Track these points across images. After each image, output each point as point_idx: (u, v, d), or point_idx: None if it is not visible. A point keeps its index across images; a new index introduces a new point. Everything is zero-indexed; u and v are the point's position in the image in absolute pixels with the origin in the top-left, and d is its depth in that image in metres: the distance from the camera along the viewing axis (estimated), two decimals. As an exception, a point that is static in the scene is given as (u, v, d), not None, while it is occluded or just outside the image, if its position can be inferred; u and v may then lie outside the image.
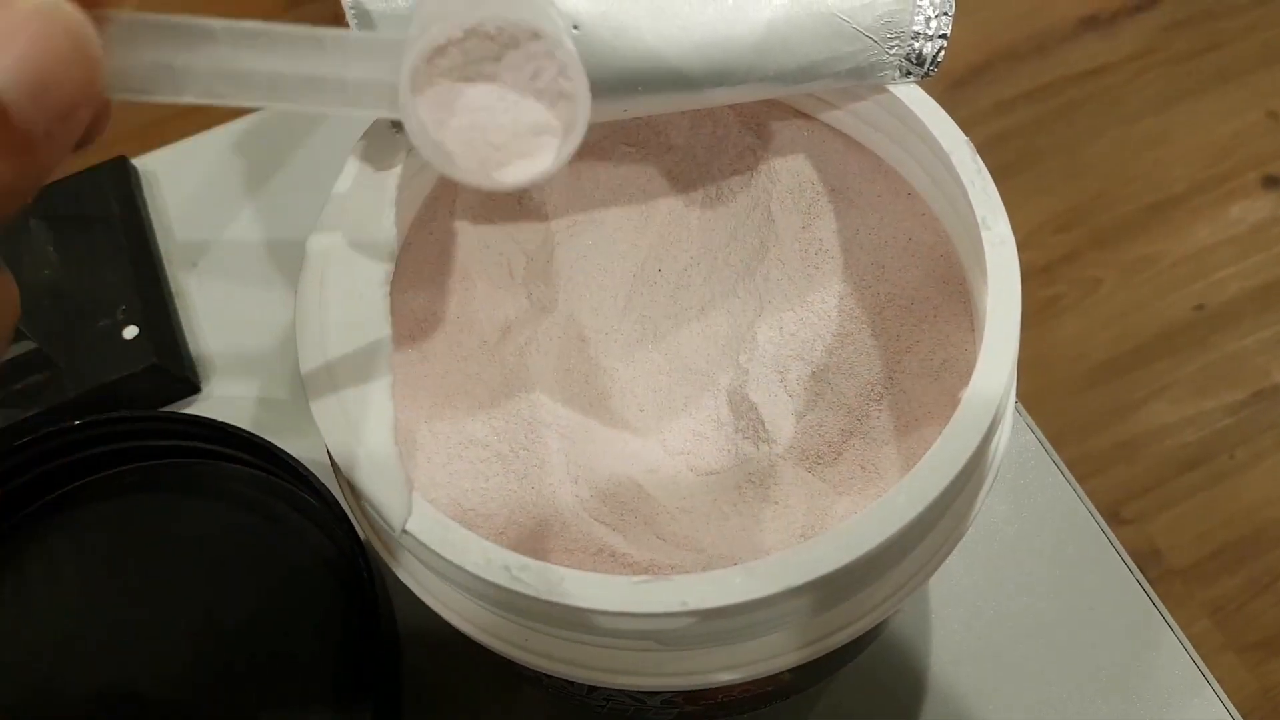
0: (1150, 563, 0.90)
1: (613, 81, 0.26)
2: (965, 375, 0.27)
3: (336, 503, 0.34)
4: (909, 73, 0.28)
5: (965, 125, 0.27)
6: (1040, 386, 0.98)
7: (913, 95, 0.28)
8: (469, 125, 0.17)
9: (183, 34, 0.16)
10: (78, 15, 0.13)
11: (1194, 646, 0.38)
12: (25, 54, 0.12)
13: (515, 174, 0.18)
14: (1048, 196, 1.07)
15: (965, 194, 0.26)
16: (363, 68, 0.17)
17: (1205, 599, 0.88)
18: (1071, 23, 1.19)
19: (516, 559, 0.22)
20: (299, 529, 0.37)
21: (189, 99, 0.16)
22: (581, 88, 0.17)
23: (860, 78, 0.28)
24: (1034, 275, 1.03)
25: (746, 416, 0.28)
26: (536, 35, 0.17)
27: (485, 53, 0.17)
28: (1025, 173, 1.09)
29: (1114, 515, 0.92)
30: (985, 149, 0.27)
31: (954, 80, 1.14)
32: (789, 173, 0.31)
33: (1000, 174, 0.26)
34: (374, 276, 0.25)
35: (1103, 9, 1.19)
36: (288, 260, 0.47)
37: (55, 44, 0.13)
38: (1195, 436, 0.96)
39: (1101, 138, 1.12)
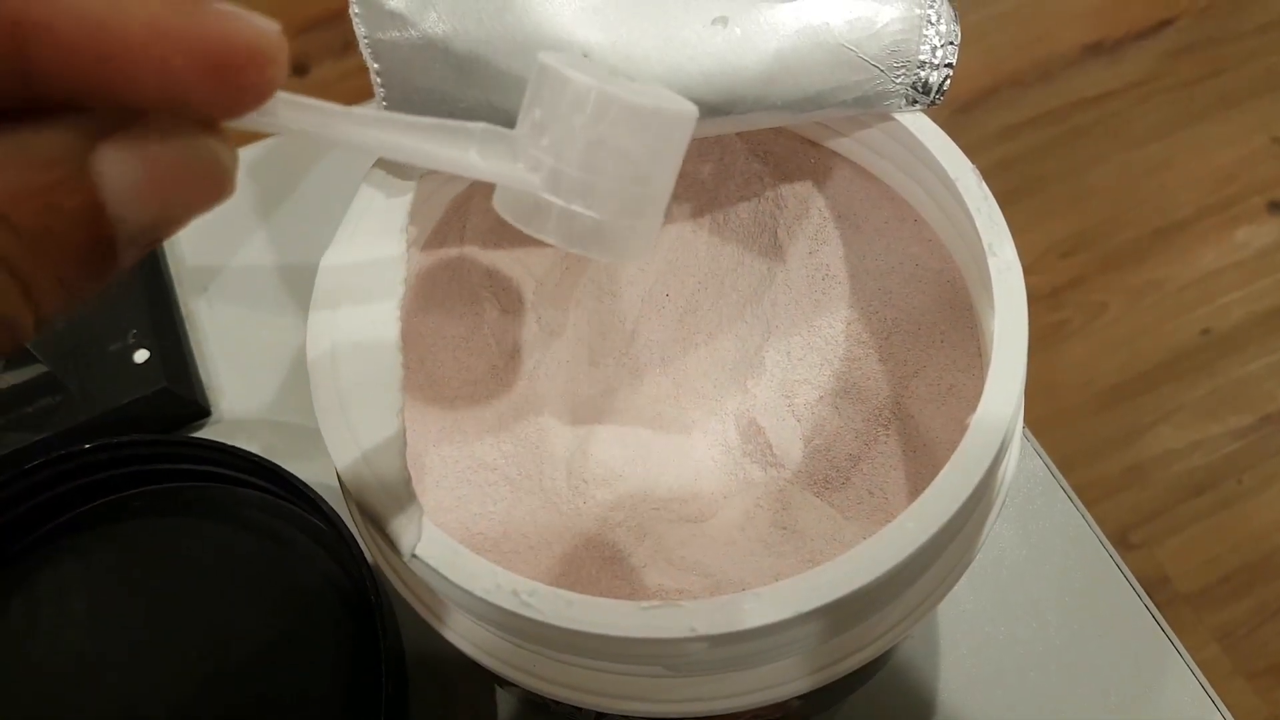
0: (1158, 588, 0.89)
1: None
2: (972, 400, 0.27)
3: (345, 527, 0.35)
4: (915, 101, 0.28)
5: (970, 151, 0.28)
6: (1047, 412, 0.97)
7: (919, 123, 0.28)
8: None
9: (339, 114, 0.16)
10: (224, 160, 0.13)
11: (1203, 672, 0.38)
12: (162, 197, 0.12)
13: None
14: (1053, 221, 1.08)
15: (971, 220, 0.26)
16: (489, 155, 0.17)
17: (1214, 625, 0.88)
18: (1076, 49, 1.19)
19: (525, 583, 0.22)
20: (308, 553, 0.37)
21: (337, 135, 0.16)
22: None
23: (867, 106, 0.28)
24: (1040, 300, 1.03)
25: (754, 441, 0.28)
26: None
27: None
28: (1031, 198, 1.09)
29: (1122, 540, 0.92)
30: (991, 174, 0.27)
31: (959, 106, 1.15)
32: (796, 199, 0.32)
33: (1006, 199, 0.26)
34: (385, 301, 0.25)
35: (1107, 35, 1.20)
36: (298, 285, 0.47)
37: (189, 189, 0.13)
38: (1203, 461, 0.95)
39: (1106, 163, 1.12)
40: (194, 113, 0.12)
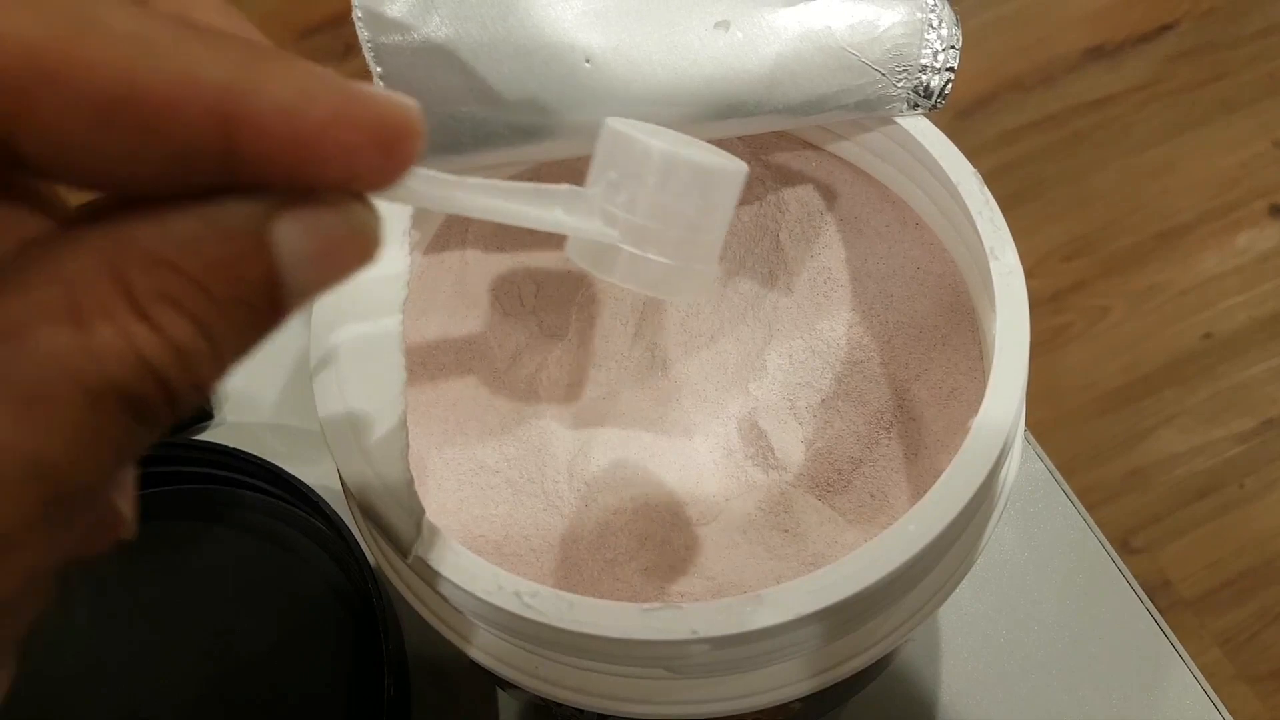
0: (1160, 592, 0.89)
1: (624, 114, 0.27)
2: (974, 404, 0.27)
3: (348, 529, 0.35)
4: (916, 105, 0.28)
5: (972, 155, 0.28)
6: (1049, 415, 0.97)
7: (920, 127, 0.28)
8: None
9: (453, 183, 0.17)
10: (375, 226, 0.14)
11: (1205, 677, 0.38)
12: (329, 264, 0.14)
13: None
14: (1055, 226, 1.08)
15: (973, 224, 0.26)
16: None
17: (1216, 629, 0.88)
18: (1077, 53, 1.19)
19: (527, 585, 0.22)
20: (310, 555, 0.37)
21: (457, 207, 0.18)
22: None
23: (868, 110, 0.28)
24: (1042, 304, 1.03)
25: (756, 444, 0.28)
26: None
27: None
28: (1032, 202, 1.09)
29: (1123, 544, 0.92)
30: (992, 179, 0.27)
31: (961, 110, 1.15)
32: (798, 202, 0.32)
33: (1007, 203, 0.26)
34: (387, 304, 0.25)
35: (1109, 39, 1.20)
36: (300, 288, 0.47)
37: (350, 255, 0.14)
38: (1204, 465, 0.95)
39: (1108, 167, 1.12)
40: (357, 186, 0.14)
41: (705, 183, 0.20)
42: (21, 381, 0.11)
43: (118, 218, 0.12)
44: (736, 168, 0.20)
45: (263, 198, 0.13)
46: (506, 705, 0.36)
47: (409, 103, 0.13)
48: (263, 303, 0.13)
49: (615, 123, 0.20)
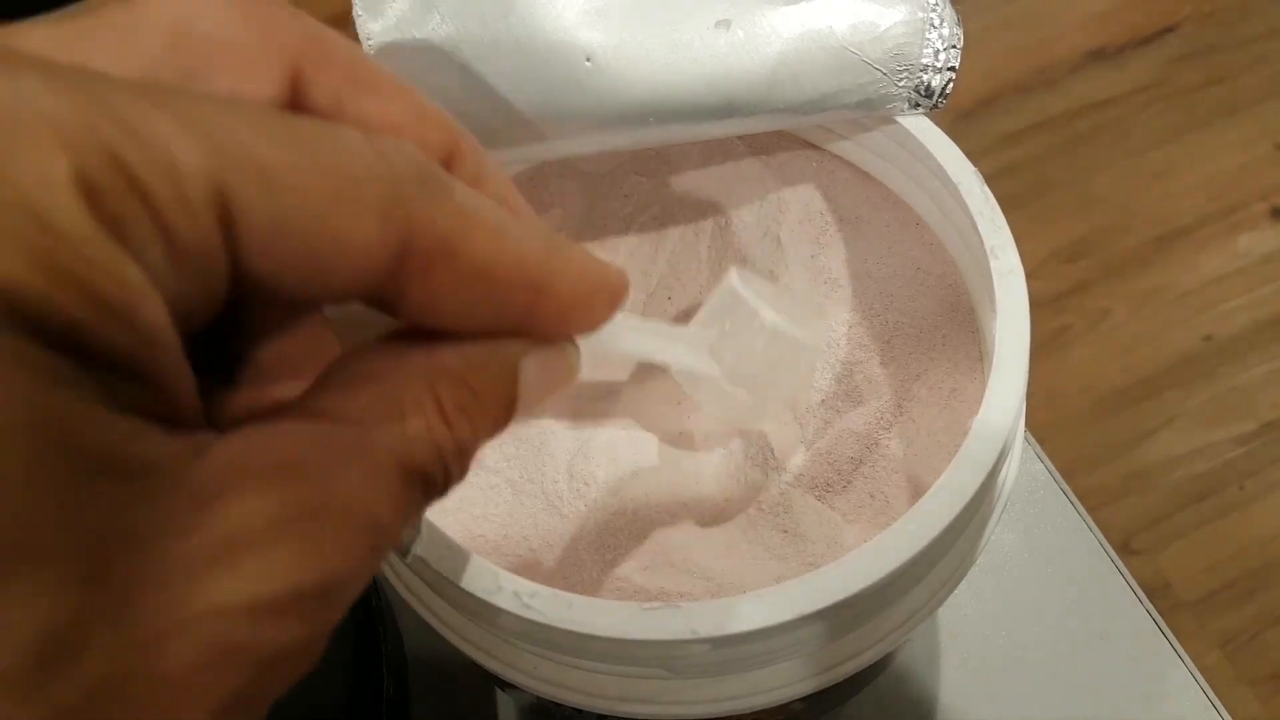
0: (1160, 595, 0.89)
1: (625, 112, 0.27)
2: (974, 404, 0.27)
3: (346, 528, 0.34)
4: (917, 104, 0.28)
5: (973, 157, 0.28)
6: (1049, 417, 0.97)
7: (921, 126, 0.28)
8: None
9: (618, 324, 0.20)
10: (577, 361, 0.18)
11: (1205, 679, 0.38)
12: (549, 388, 0.17)
13: None
14: (1056, 227, 1.08)
15: (974, 224, 0.26)
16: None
17: (1216, 631, 0.88)
18: (1079, 55, 1.19)
19: (526, 585, 0.22)
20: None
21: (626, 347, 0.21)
22: None
23: (869, 109, 0.28)
24: (1043, 306, 1.03)
25: (756, 444, 0.28)
26: None
27: None
28: (1033, 204, 1.09)
29: (1123, 546, 0.92)
30: (993, 180, 0.27)
31: (962, 112, 1.15)
32: (798, 202, 0.32)
33: (1008, 205, 0.26)
34: None
35: (1110, 41, 1.20)
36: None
37: (563, 382, 0.18)
38: (1205, 468, 0.95)
39: (1109, 169, 1.12)
40: (579, 334, 0.18)
41: (796, 354, 0.24)
42: (368, 456, 0.14)
43: (427, 344, 0.15)
44: (819, 345, 0.26)
45: (519, 340, 0.17)
46: (505, 705, 0.36)
47: (623, 271, 0.18)
48: (505, 416, 0.16)
49: (735, 282, 0.24)
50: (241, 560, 0.12)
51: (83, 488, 0.11)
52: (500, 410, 0.16)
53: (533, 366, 0.17)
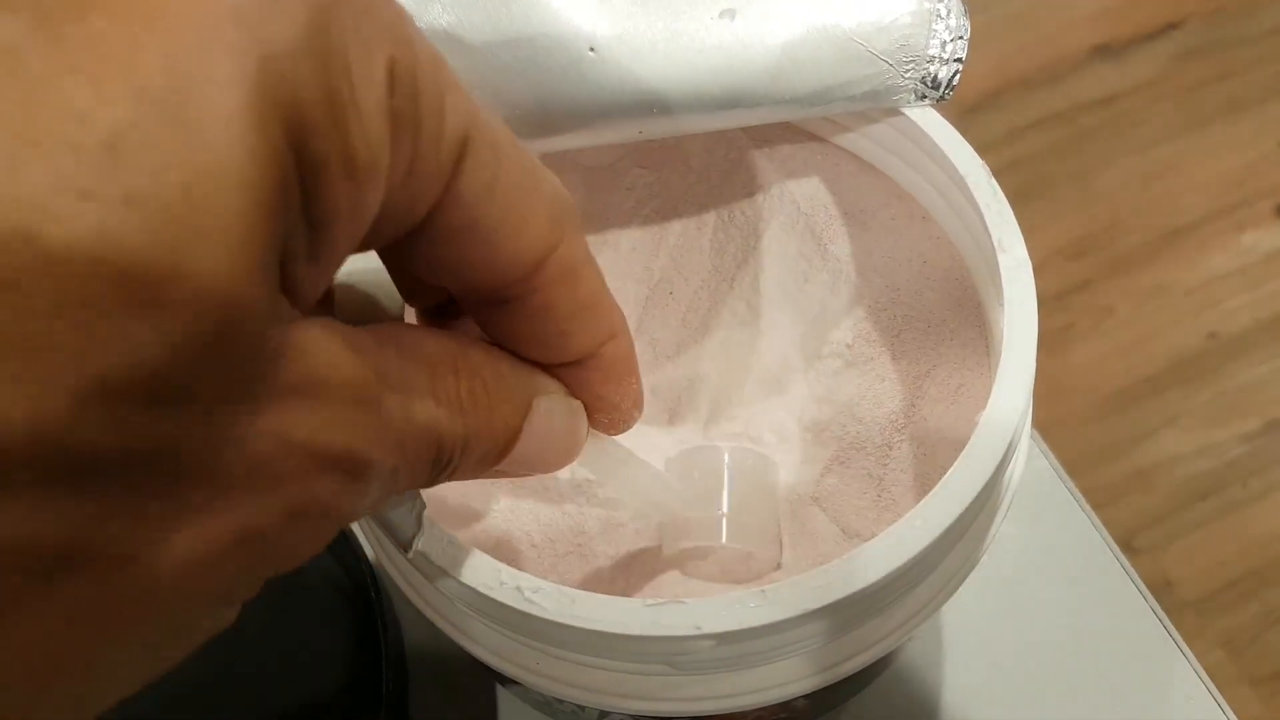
0: (1163, 594, 0.89)
1: (628, 104, 0.26)
2: (981, 400, 0.27)
3: (346, 523, 0.34)
4: (924, 96, 0.28)
5: (977, 152, 0.27)
6: (1053, 414, 0.97)
7: (928, 119, 0.28)
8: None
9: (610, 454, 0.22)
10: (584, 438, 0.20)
11: (1208, 678, 0.38)
12: (550, 444, 0.18)
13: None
14: (1060, 224, 1.07)
15: (981, 217, 0.26)
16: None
17: (1219, 630, 0.87)
18: (1084, 50, 1.19)
19: (529, 580, 0.22)
20: (308, 549, 0.36)
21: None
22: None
23: (875, 101, 0.28)
24: (1046, 303, 1.02)
25: (761, 440, 0.28)
26: None
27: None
28: (1037, 200, 1.09)
29: (1126, 545, 0.91)
30: (997, 176, 0.27)
31: (966, 107, 1.15)
32: (803, 195, 0.31)
33: (1012, 201, 0.26)
34: (384, 295, 0.25)
35: (1115, 37, 1.20)
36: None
37: (565, 452, 0.19)
38: (1208, 466, 0.95)
39: (1113, 166, 1.12)
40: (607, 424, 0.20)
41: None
42: (407, 421, 0.15)
43: (464, 330, 0.18)
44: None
45: (546, 378, 0.18)
46: (506, 701, 0.36)
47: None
48: (504, 438, 0.17)
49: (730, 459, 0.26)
50: (316, 408, 0.13)
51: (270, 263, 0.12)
52: (501, 428, 0.17)
53: (547, 410, 0.18)
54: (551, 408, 0.18)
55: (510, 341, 0.17)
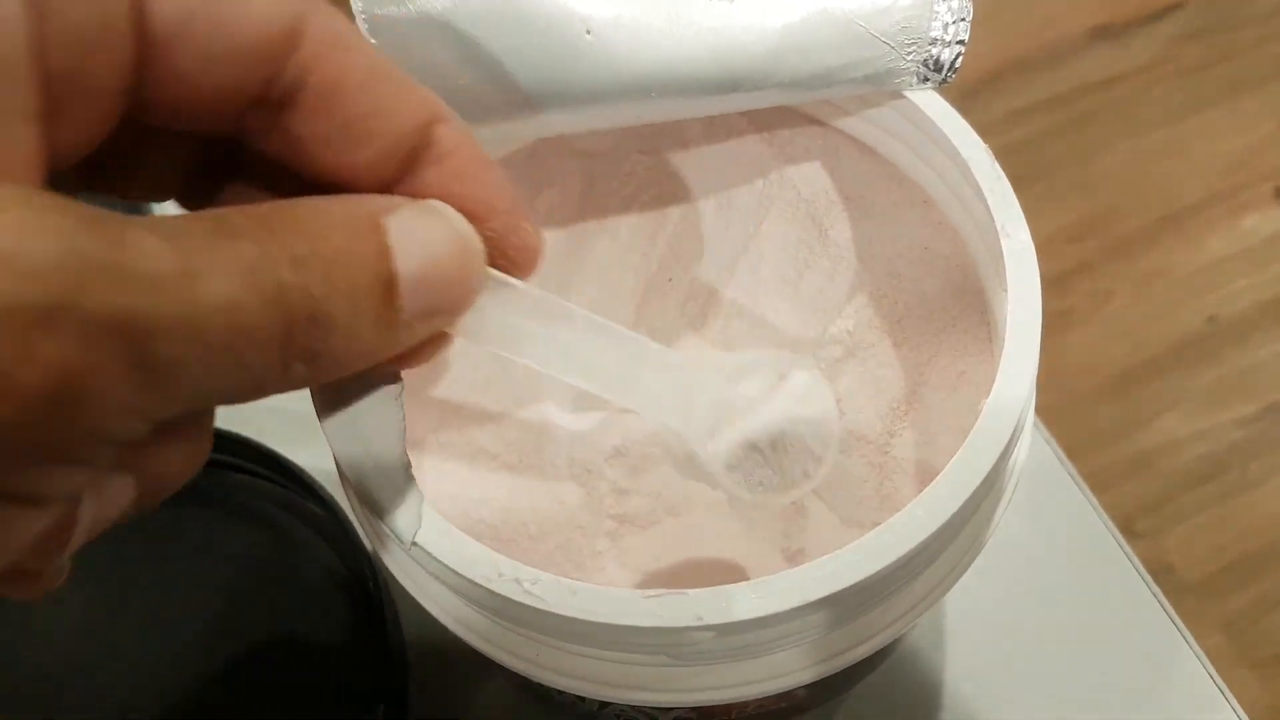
0: (1163, 577, 0.89)
1: (626, 87, 0.26)
2: (983, 387, 0.26)
3: (344, 513, 0.34)
4: (926, 79, 0.27)
5: (977, 134, 0.27)
6: (1053, 399, 0.96)
7: (929, 102, 0.28)
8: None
9: (548, 309, 0.19)
10: (478, 244, 0.17)
11: (1208, 661, 0.38)
12: (429, 252, 0.16)
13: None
14: (1060, 207, 1.07)
15: (984, 201, 0.26)
16: (669, 384, 0.21)
17: (1218, 614, 0.88)
18: (1084, 33, 1.18)
19: (529, 572, 0.21)
20: (306, 540, 0.36)
21: (524, 361, 0.19)
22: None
23: (876, 84, 0.27)
24: (1046, 287, 1.00)
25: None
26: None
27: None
28: (1037, 183, 1.08)
29: (1126, 529, 0.91)
30: (997, 158, 0.26)
31: (965, 90, 1.14)
32: (803, 181, 0.31)
33: (1012, 185, 0.26)
34: None
35: (1115, 19, 1.19)
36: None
37: (455, 255, 0.16)
38: (1208, 450, 0.95)
39: (1114, 149, 1.11)
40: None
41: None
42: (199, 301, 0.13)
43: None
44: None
45: (388, 197, 0.16)
46: (506, 692, 0.36)
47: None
48: (374, 288, 0.15)
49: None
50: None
51: None
52: (360, 271, 0.15)
53: (402, 226, 0.15)
54: (406, 221, 0.16)
55: (320, 163, 0.16)
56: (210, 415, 0.17)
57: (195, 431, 0.16)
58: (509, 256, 0.18)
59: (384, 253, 0.15)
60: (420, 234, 0.16)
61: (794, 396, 0.22)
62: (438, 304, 0.16)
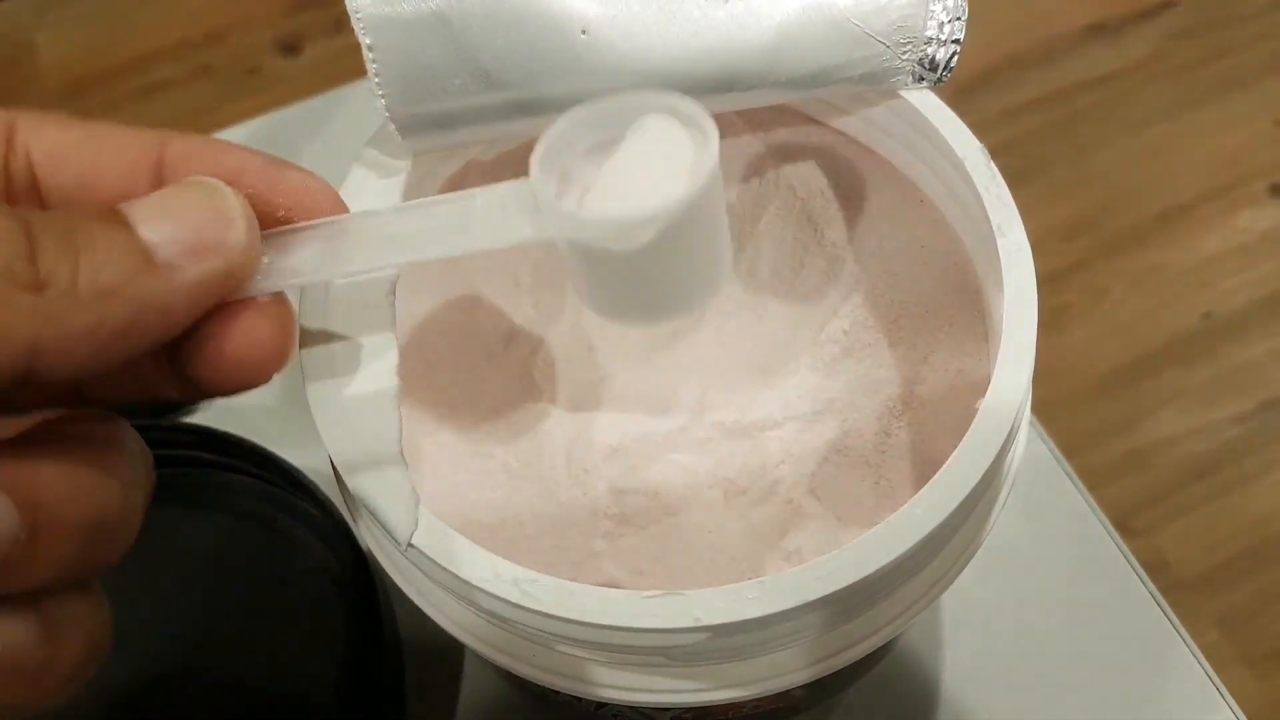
0: (1158, 574, 0.88)
1: (621, 87, 0.26)
2: (980, 385, 0.26)
3: (340, 514, 0.34)
4: (921, 78, 0.27)
5: (972, 133, 0.27)
6: (1048, 396, 0.97)
7: (925, 101, 0.28)
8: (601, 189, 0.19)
9: (344, 222, 0.20)
10: (240, 211, 0.18)
11: (1203, 657, 0.38)
12: (162, 197, 0.17)
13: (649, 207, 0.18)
14: (1055, 205, 1.07)
15: (980, 200, 0.26)
16: (498, 200, 0.19)
17: (1214, 611, 0.88)
18: (1078, 30, 1.18)
19: (526, 573, 0.21)
20: (301, 540, 0.36)
21: (347, 271, 0.20)
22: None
23: (872, 83, 0.27)
24: (1042, 284, 1.00)
25: (759, 428, 0.28)
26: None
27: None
28: (1032, 181, 1.08)
29: (1122, 526, 0.91)
30: (992, 156, 0.26)
31: (960, 87, 1.14)
32: (799, 180, 0.31)
33: (1007, 182, 0.26)
34: (378, 284, 0.25)
35: (1110, 16, 1.19)
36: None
37: (191, 191, 0.18)
38: (1203, 447, 0.95)
39: (1109, 146, 1.11)
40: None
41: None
42: None
43: None
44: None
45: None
46: (503, 692, 0.36)
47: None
48: (120, 261, 0.16)
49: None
50: None
51: None
52: (91, 211, 0.16)
53: (146, 213, 0.17)
54: (134, 201, 0.17)
55: None
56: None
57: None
58: (302, 205, 0.20)
59: (108, 206, 0.17)
60: (150, 194, 0.17)
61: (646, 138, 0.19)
62: (190, 237, 0.17)
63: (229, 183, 0.18)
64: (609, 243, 0.18)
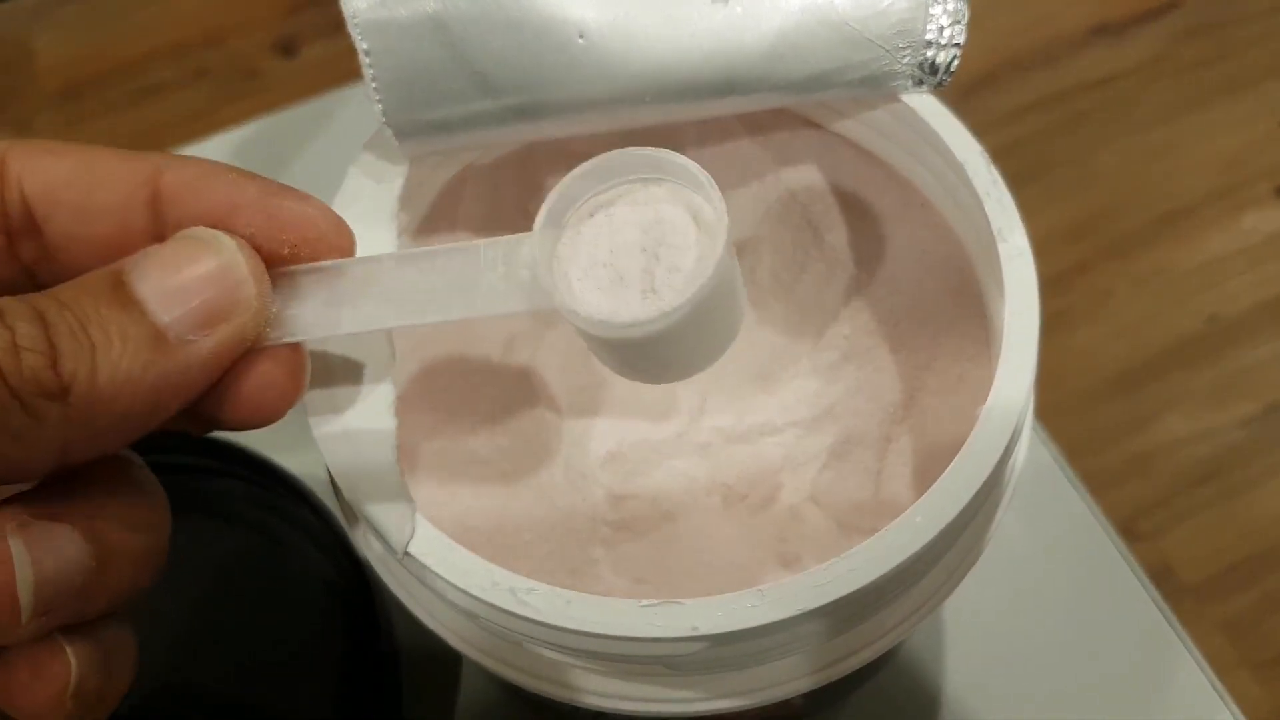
0: (1162, 579, 0.88)
1: (620, 92, 0.26)
2: (981, 391, 0.26)
3: (336, 521, 0.34)
4: (922, 82, 0.27)
5: (974, 134, 0.27)
6: (1052, 399, 0.96)
7: (926, 105, 0.27)
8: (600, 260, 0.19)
9: (350, 274, 0.19)
10: (248, 270, 0.18)
11: (1208, 663, 0.38)
12: (171, 265, 0.17)
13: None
14: (1057, 206, 1.07)
15: (980, 205, 0.26)
16: (504, 268, 0.19)
17: (1219, 616, 0.87)
18: (1081, 31, 1.18)
19: (523, 581, 0.21)
20: (297, 547, 0.36)
21: (353, 330, 0.19)
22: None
23: (872, 87, 0.27)
24: (1045, 286, 1.00)
25: (758, 434, 0.28)
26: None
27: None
28: (1035, 182, 1.08)
29: (1126, 530, 0.91)
30: (994, 158, 0.26)
31: (962, 89, 1.14)
32: (799, 184, 0.31)
33: (1009, 183, 0.26)
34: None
35: (1112, 18, 1.19)
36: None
37: (197, 258, 0.17)
38: (1208, 450, 0.94)
39: (1111, 147, 1.11)
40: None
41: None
42: None
43: None
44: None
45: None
46: (501, 701, 0.36)
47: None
48: (115, 317, 0.16)
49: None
50: None
51: None
52: (100, 285, 0.16)
53: (144, 271, 0.17)
54: (142, 255, 0.17)
55: (69, 260, 0.18)
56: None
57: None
58: (306, 239, 0.19)
59: (116, 278, 0.17)
60: (154, 254, 0.17)
61: (648, 201, 0.19)
62: (201, 309, 0.17)
63: (226, 221, 0.18)
64: (613, 335, 0.18)
